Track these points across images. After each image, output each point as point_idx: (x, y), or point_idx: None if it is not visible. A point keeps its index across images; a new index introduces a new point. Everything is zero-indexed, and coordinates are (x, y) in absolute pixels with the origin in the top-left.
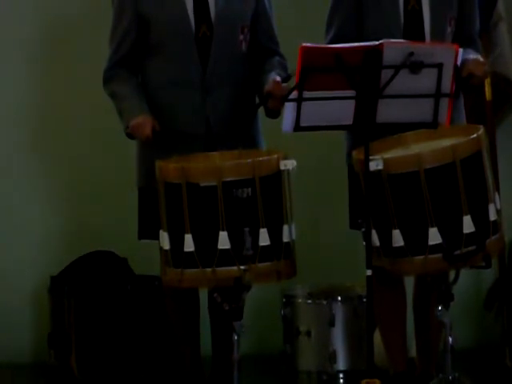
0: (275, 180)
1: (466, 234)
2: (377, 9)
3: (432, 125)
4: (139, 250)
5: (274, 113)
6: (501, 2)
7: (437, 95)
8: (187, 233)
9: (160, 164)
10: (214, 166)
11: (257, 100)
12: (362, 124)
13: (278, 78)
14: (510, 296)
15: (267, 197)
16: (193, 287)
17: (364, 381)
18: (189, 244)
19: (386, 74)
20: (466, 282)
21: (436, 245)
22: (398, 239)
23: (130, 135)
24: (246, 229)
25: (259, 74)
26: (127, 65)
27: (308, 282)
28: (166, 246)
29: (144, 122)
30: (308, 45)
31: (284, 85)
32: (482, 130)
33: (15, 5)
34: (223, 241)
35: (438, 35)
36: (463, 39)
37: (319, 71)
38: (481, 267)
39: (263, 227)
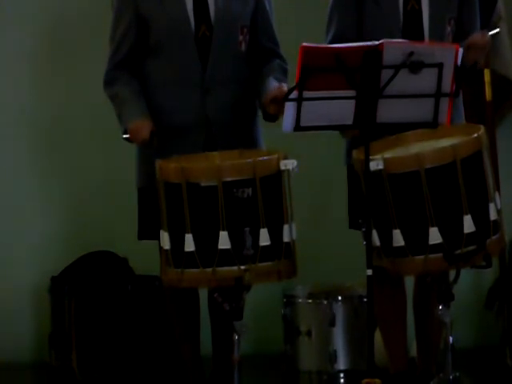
0: (275, 180)
1: (467, 233)
2: (376, 8)
3: (432, 124)
4: (139, 250)
5: (273, 117)
6: (501, 2)
7: (437, 95)
8: (187, 233)
9: (160, 164)
10: (215, 166)
11: (257, 103)
12: (362, 124)
13: (285, 87)
14: (510, 295)
15: (267, 197)
16: (193, 287)
17: (365, 380)
18: (189, 244)
19: (386, 74)
20: (467, 282)
21: (436, 244)
22: (398, 239)
23: (128, 139)
24: (247, 229)
25: (258, 77)
26: (127, 66)
27: (308, 282)
28: (167, 245)
29: (142, 125)
30: (308, 45)
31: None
32: (482, 130)
33: (16, 5)
34: (224, 241)
35: (437, 35)
36: (463, 39)
37: (319, 71)
38: (481, 267)
39: (263, 227)
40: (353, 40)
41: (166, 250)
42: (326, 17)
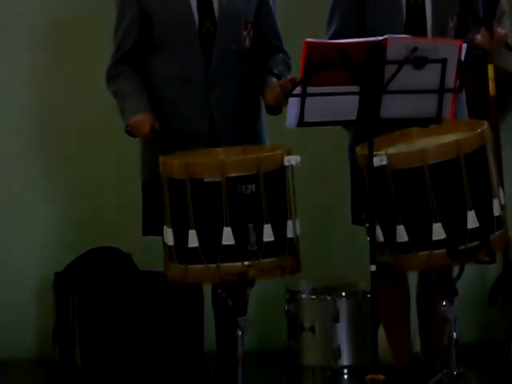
0: (279, 176)
1: (470, 229)
2: (379, 4)
3: (436, 120)
4: (143, 245)
5: (276, 109)
6: None
7: (441, 90)
8: (191, 228)
9: (164, 160)
10: (218, 162)
11: (261, 98)
12: (365, 119)
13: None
14: None
15: (271, 192)
16: (197, 283)
17: (368, 376)
18: (193, 240)
19: (389, 70)
20: (470, 278)
21: (440, 240)
22: (402, 235)
23: (131, 133)
24: (250, 224)
25: (262, 71)
26: (131, 62)
27: (312, 278)
28: (170, 241)
29: (143, 120)
30: (312, 40)
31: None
32: (486, 125)
33: (16, 6)
34: (227, 236)
35: (439, 30)
36: (466, 34)
37: (323, 67)
38: (485, 262)
39: (267, 223)
40: (354, 36)
41: (170, 246)
42: (328, 12)
